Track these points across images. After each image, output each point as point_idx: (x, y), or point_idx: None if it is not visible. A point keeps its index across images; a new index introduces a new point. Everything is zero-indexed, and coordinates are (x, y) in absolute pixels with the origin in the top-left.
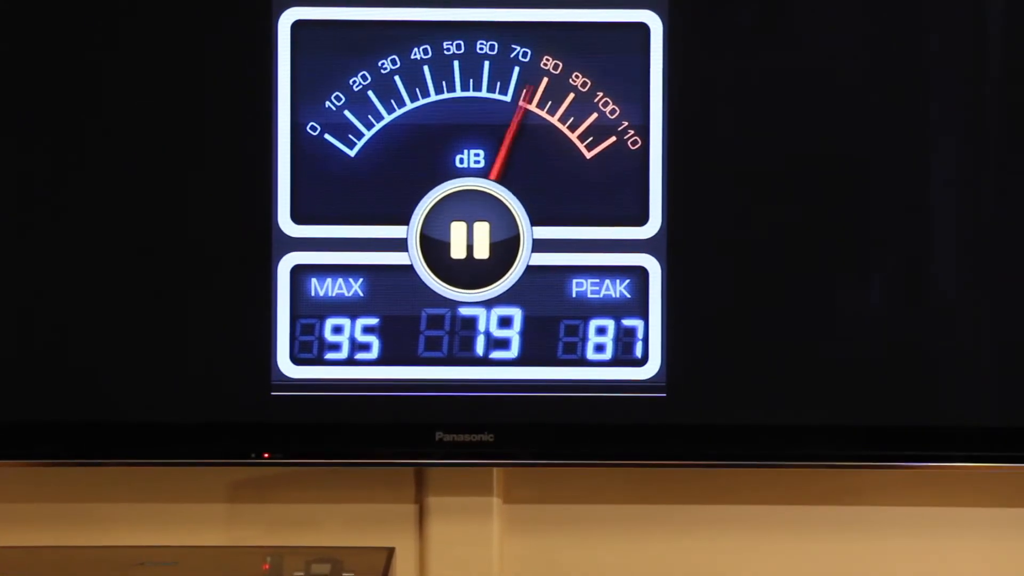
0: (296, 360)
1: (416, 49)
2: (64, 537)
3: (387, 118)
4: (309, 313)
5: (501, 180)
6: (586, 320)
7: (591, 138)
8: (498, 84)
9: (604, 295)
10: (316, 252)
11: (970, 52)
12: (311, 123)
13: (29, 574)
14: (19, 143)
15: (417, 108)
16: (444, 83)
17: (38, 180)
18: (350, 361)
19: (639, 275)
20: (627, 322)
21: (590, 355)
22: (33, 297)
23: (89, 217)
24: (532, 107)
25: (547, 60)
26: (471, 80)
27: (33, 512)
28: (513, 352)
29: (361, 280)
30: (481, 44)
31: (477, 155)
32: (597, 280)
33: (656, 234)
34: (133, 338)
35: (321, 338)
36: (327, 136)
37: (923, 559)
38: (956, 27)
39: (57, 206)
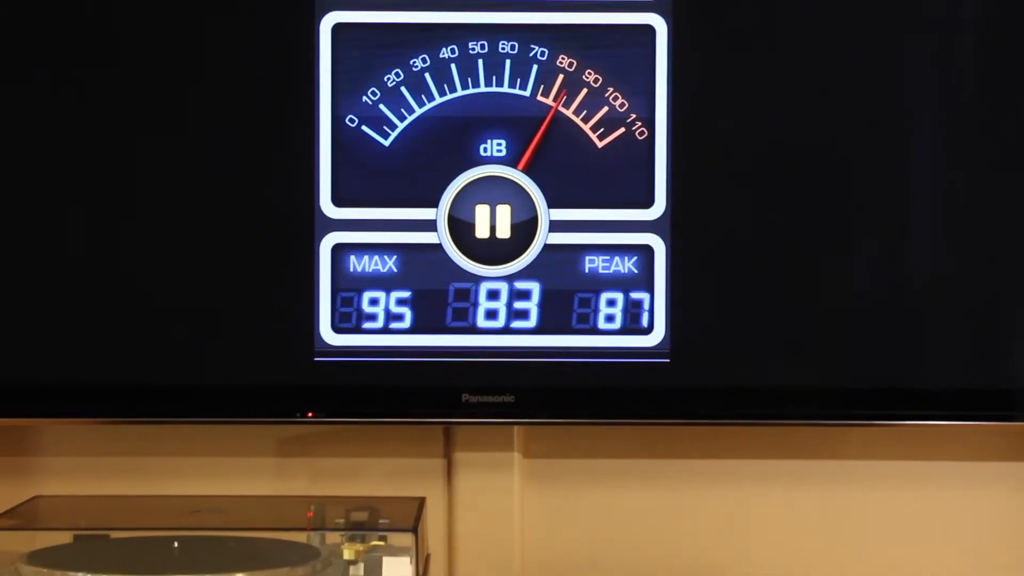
0: (337, 329)
1: (444, 48)
2: (130, 487)
3: (418, 111)
4: (348, 287)
5: (526, 170)
6: (598, 293)
7: (602, 129)
8: (518, 80)
9: (614, 271)
10: (354, 232)
11: (950, 53)
12: (350, 116)
13: (99, 519)
14: (108, 139)
15: (445, 102)
16: (469, 79)
17: (121, 169)
18: (385, 330)
19: (646, 253)
20: (635, 295)
21: (601, 325)
22: (109, 276)
23: (157, 205)
24: (551, 102)
25: (563, 59)
26: (494, 76)
27: (103, 464)
28: (532, 322)
29: (395, 257)
30: (503, 44)
31: (499, 144)
32: (607, 257)
33: (661, 216)
34: (193, 310)
35: (359, 309)
36: (364, 127)
37: (905, 508)
38: (937, 28)
39: (132, 196)
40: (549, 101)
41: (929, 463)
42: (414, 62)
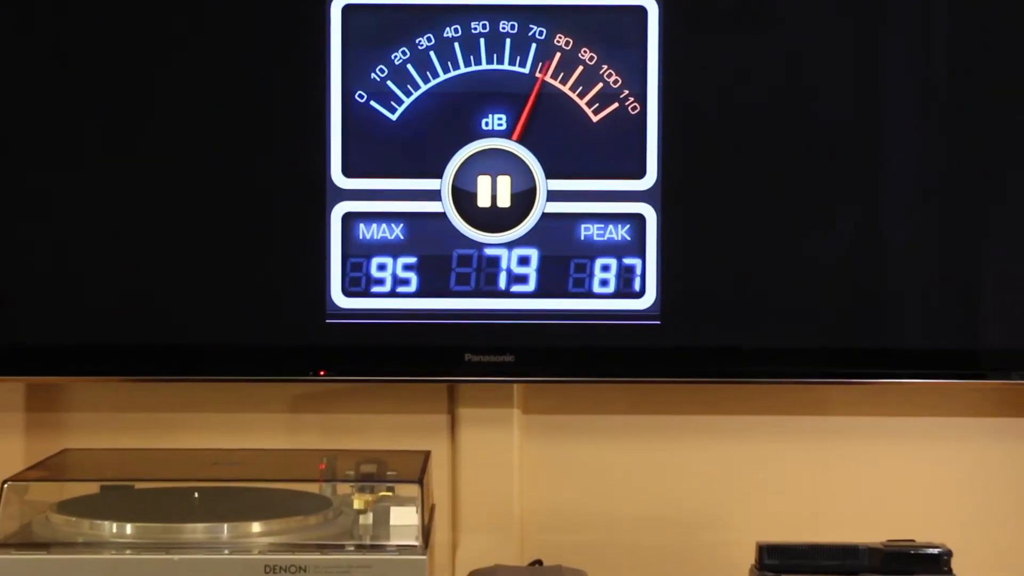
0: (347, 293)
1: (448, 28)
2: (153, 441)
3: (423, 87)
4: (358, 253)
5: (521, 140)
6: (592, 259)
7: (597, 104)
8: (518, 58)
9: (608, 238)
10: (364, 201)
11: (924, 36)
12: (359, 91)
13: (123, 471)
14: (121, 117)
15: (449, 79)
16: (472, 57)
17: (144, 140)
18: (392, 294)
19: (638, 221)
20: (627, 261)
21: (596, 289)
22: (133, 243)
23: (182, 176)
24: (548, 78)
25: (560, 38)
26: (495, 55)
27: (128, 420)
28: (531, 286)
29: (402, 225)
30: (503, 24)
31: (500, 119)
32: (602, 225)
33: (652, 186)
34: (212, 275)
35: (368, 274)
36: (372, 103)
37: (882, 461)
38: (913, 15)
39: (158, 168)
40: (547, 78)
41: (905, 419)
42: (419, 41)
